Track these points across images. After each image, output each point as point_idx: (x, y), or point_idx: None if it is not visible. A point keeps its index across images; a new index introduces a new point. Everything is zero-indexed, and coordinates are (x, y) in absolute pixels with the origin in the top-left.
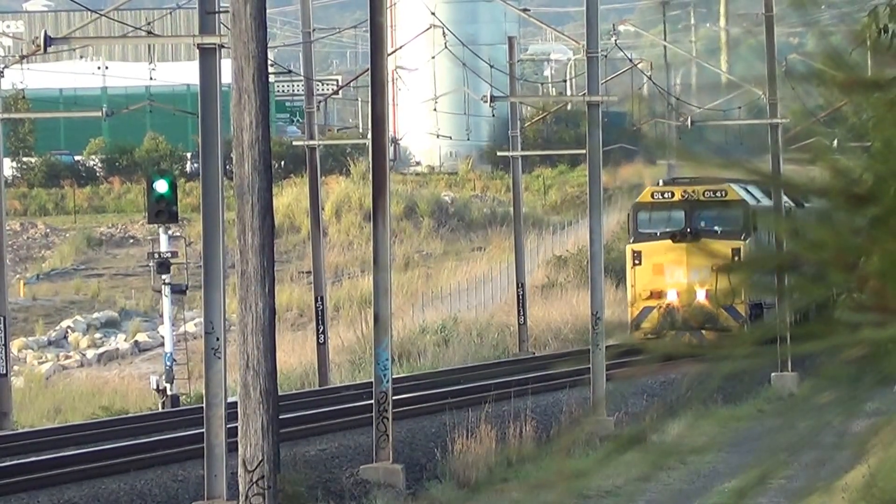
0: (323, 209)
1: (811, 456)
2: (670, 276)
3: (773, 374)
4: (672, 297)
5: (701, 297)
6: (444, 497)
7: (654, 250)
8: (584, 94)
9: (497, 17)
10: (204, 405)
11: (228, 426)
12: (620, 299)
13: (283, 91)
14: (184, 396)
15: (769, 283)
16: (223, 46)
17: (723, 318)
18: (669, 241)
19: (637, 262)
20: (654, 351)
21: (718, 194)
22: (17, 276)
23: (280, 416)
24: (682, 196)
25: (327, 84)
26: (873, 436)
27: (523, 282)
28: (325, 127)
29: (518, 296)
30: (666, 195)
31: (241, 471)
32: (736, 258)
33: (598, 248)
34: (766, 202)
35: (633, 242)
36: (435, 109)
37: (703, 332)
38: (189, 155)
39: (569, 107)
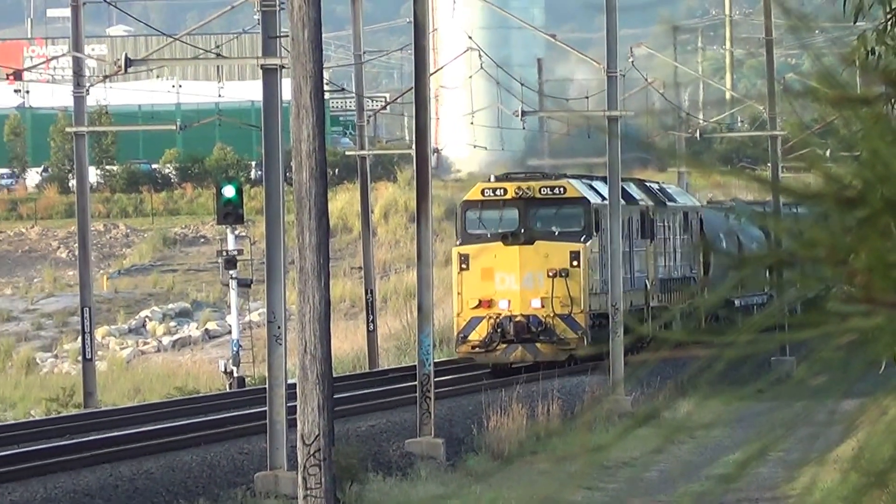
0: (372, 212)
1: (806, 431)
2: (501, 282)
3: (772, 358)
4: (503, 306)
5: (536, 305)
6: (480, 468)
7: (483, 253)
8: (604, 110)
9: (528, 41)
10: (267, 386)
11: (288, 405)
12: None
13: (337, 107)
14: (249, 378)
15: (764, 279)
16: (284, 67)
17: (560, 329)
18: (500, 244)
19: (464, 266)
20: (667, 338)
21: (556, 191)
22: (101, 271)
23: (334, 396)
24: (516, 193)
25: (376, 100)
26: (861, 413)
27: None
28: (374, 139)
29: None
30: (498, 192)
31: (299, 444)
32: (575, 262)
33: (617, 243)
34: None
35: (461, 245)
36: (472, 123)
37: (538, 345)
38: (253, 163)
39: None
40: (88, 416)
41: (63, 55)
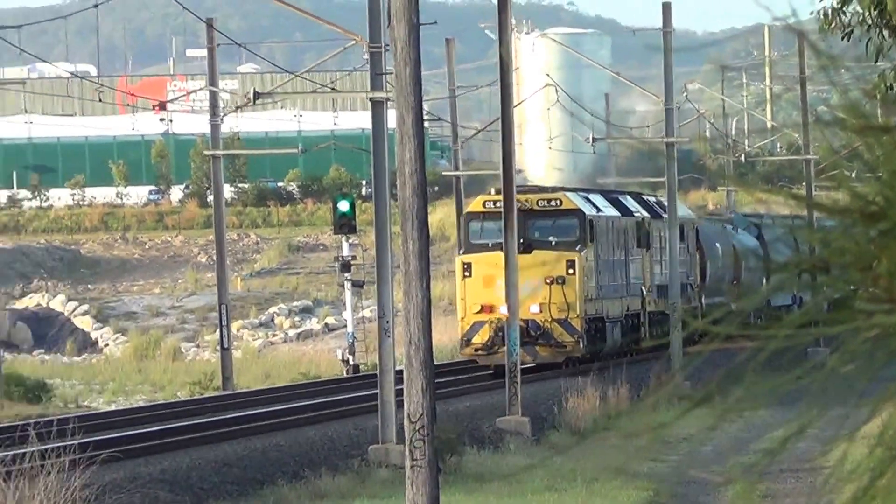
0: None
1: (838, 412)
2: (501, 289)
3: (808, 349)
4: (504, 312)
5: (535, 311)
6: (560, 442)
7: (484, 262)
8: (662, 136)
9: (596, 78)
10: (378, 372)
11: (396, 388)
12: None
13: (435, 134)
14: (362, 365)
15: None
16: (389, 100)
17: (557, 332)
18: (501, 253)
19: (467, 274)
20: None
21: (553, 203)
22: (235, 273)
23: (435, 380)
24: (520, 204)
25: (468, 129)
26: (885, 396)
27: None
28: (467, 161)
29: None
30: (498, 204)
31: (406, 422)
32: (570, 270)
33: (675, 250)
34: (610, 212)
35: (464, 254)
36: (549, 148)
37: (537, 348)
38: (364, 182)
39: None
40: (226, 398)
41: (201, 89)
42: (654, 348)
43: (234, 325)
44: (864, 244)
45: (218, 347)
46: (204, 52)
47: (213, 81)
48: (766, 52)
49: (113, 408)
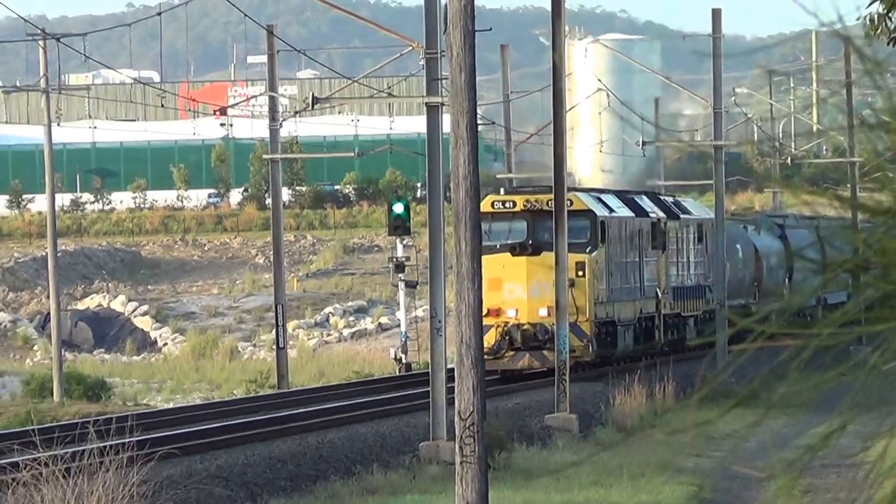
0: None
1: (880, 409)
2: (509, 292)
3: (851, 347)
4: (511, 315)
5: (543, 314)
6: (607, 439)
7: (492, 264)
8: (710, 140)
9: (647, 82)
10: (430, 370)
11: (447, 386)
12: None
13: (490, 137)
14: (414, 364)
15: (846, 281)
16: (444, 104)
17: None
18: (508, 255)
19: None
20: (763, 330)
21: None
22: (292, 274)
23: (485, 379)
24: (525, 206)
25: (522, 132)
26: None
27: None
28: (520, 164)
29: None
30: (507, 205)
31: (456, 419)
32: (580, 273)
33: (722, 250)
34: (623, 212)
35: None
36: (601, 151)
37: (545, 352)
38: (419, 185)
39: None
40: (281, 395)
41: (260, 94)
42: (701, 347)
43: (290, 325)
44: None
45: (274, 347)
46: (264, 59)
47: (272, 87)
48: (813, 57)
49: (170, 406)
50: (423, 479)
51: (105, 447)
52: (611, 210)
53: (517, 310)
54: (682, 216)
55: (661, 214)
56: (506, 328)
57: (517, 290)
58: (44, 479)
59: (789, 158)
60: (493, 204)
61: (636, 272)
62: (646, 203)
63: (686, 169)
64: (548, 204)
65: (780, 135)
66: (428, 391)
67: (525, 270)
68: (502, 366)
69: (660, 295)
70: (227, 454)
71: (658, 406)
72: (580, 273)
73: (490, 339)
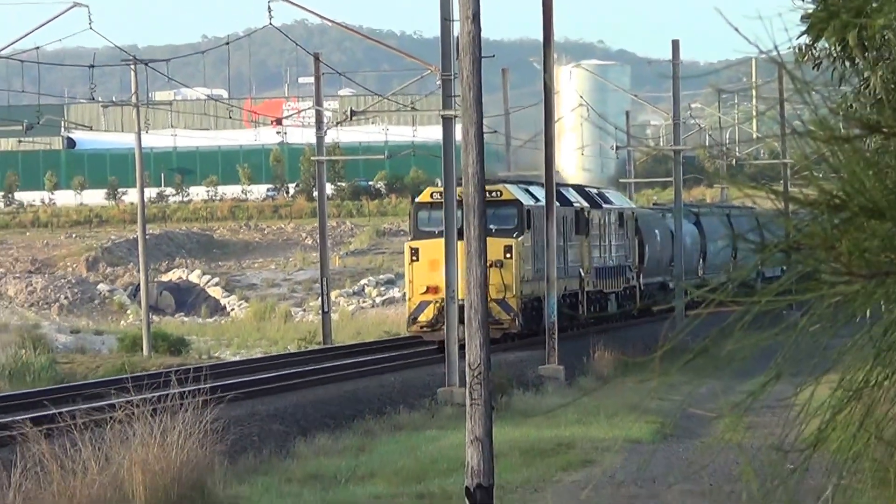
0: None
1: (807, 362)
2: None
3: (783, 312)
4: None
5: None
6: (588, 385)
7: (430, 247)
8: (671, 145)
9: (619, 99)
10: (445, 330)
11: (458, 343)
12: None
13: (492, 143)
14: None
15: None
16: (456, 116)
17: (495, 311)
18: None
19: (415, 258)
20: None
21: (494, 194)
22: (334, 253)
23: (490, 337)
24: (460, 196)
25: (518, 139)
26: (844, 349)
27: None
28: (517, 164)
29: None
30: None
31: (467, 369)
32: (508, 255)
33: (679, 235)
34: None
35: (413, 240)
36: (582, 154)
37: None
38: (437, 181)
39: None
40: (325, 350)
41: (309, 108)
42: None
43: (333, 294)
44: (828, 229)
45: (319, 311)
46: (312, 80)
47: (318, 102)
48: (753, 78)
49: (236, 359)
50: (440, 418)
51: (184, 392)
52: (536, 200)
53: None
54: (604, 205)
55: (585, 204)
56: (442, 304)
57: None
58: (135, 418)
59: (734, 160)
60: (432, 195)
61: (560, 254)
62: (571, 194)
63: (651, 169)
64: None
65: (727, 141)
66: (443, 347)
67: (460, 253)
68: (440, 337)
69: (583, 274)
70: (281, 398)
71: (628, 360)
72: (508, 255)
73: (429, 313)
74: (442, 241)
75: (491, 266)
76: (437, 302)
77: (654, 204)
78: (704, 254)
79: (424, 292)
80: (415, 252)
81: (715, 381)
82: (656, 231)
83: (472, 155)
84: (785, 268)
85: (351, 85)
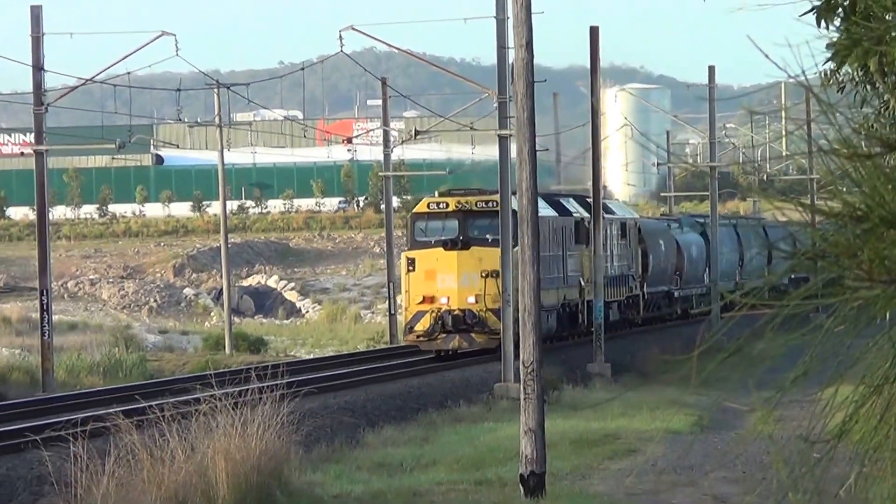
0: None
1: (832, 360)
2: (442, 281)
3: (810, 314)
4: (444, 302)
5: (471, 301)
6: (632, 382)
7: (427, 257)
8: (707, 162)
9: (660, 119)
10: (501, 330)
11: (514, 342)
12: None
13: (544, 160)
14: None
15: (811, 265)
16: (511, 135)
17: (491, 321)
18: (442, 249)
19: (411, 268)
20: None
21: (490, 204)
22: (398, 260)
23: (541, 337)
24: (457, 206)
25: (567, 156)
26: (866, 349)
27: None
28: (567, 179)
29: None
30: (441, 205)
31: (521, 367)
32: None
33: (715, 245)
34: (547, 212)
35: (409, 250)
36: (626, 170)
37: (473, 334)
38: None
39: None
40: (392, 349)
41: (377, 128)
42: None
43: (398, 297)
44: (851, 239)
45: (387, 314)
46: (379, 102)
47: (385, 123)
48: (783, 101)
49: (311, 357)
50: (497, 411)
51: (263, 387)
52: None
53: (449, 297)
54: (605, 216)
55: (585, 214)
56: (439, 313)
57: (449, 280)
58: (218, 410)
59: (765, 175)
60: (428, 205)
61: (559, 264)
62: (571, 205)
63: (689, 183)
64: (476, 205)
65: (759, 158)
66: (500, 346)
67: (456, 263)
68: (436, 346)
69: (583, 284)
70: (352, 392)
71: (669, 358)
72: None
73: (426, 322)
74: (438, 250)
75: (488, 276)
76: (433, 312)
77: (661, 215)
78: (742, 260)
79: (421, 302)
80: (411, 262)
81: (748, 378)
82: (661, 241)
83: (526, 170)
84: (812, 274)
85: (415, 107)
